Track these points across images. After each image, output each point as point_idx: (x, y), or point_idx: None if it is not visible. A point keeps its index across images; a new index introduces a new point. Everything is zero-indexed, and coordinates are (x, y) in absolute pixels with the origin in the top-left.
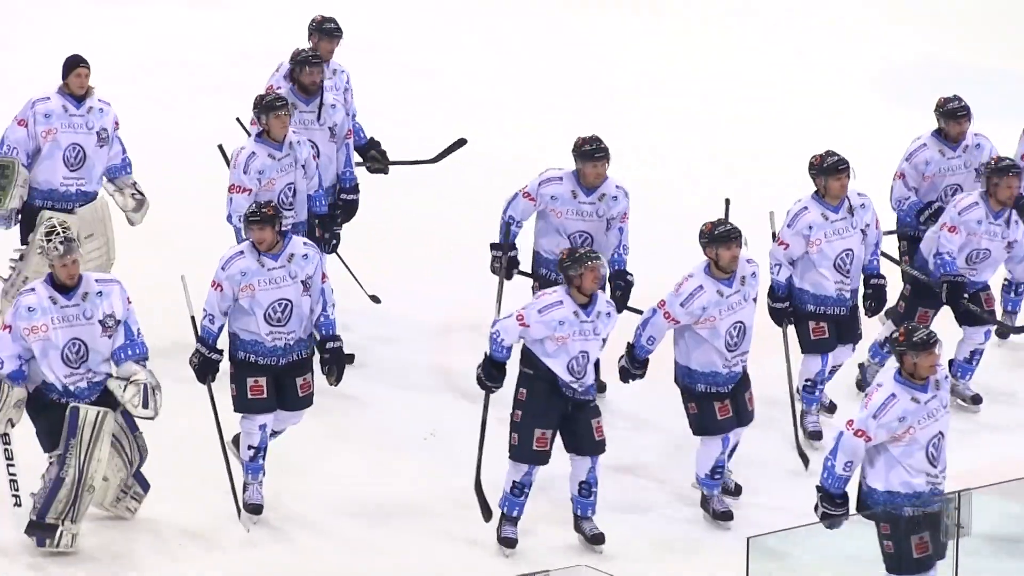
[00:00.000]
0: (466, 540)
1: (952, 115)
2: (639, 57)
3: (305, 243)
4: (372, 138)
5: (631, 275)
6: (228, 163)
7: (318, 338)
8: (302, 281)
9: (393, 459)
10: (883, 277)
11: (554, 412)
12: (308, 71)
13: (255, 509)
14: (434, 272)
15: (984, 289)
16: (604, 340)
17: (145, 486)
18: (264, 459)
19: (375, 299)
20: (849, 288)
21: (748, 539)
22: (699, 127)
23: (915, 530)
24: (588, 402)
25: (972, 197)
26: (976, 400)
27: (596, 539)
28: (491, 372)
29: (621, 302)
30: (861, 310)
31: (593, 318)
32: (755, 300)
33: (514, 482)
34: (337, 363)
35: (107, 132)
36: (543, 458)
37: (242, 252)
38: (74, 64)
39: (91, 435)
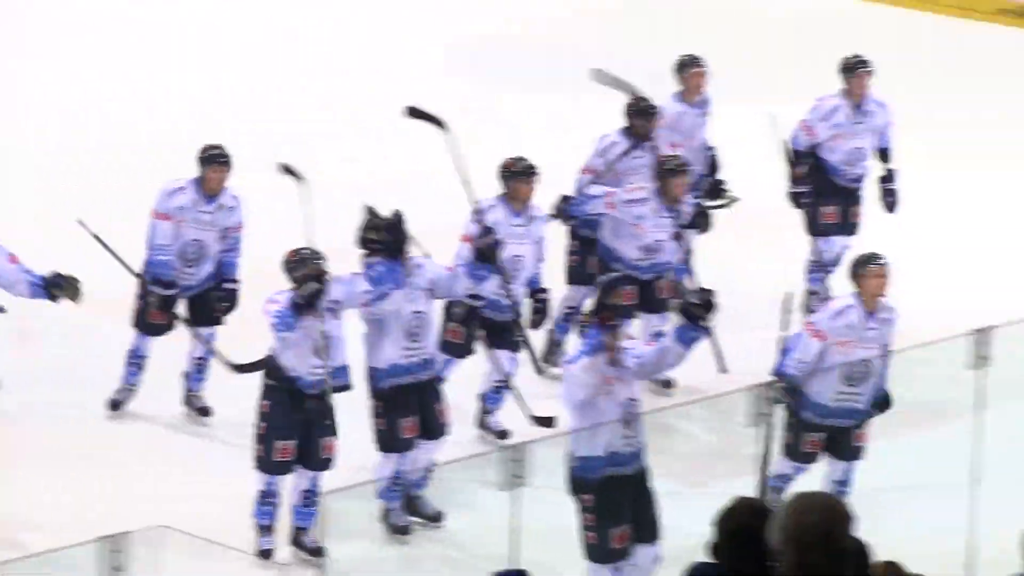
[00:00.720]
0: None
1: (644, 113)
2: None
3: None
4: None
5: (238, 281)
6: None
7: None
8: None
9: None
10: (547, 291)
11: (295, 422)
12: None
13: None
14: None
15: (660, 278)
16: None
17: None
18: None
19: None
20: (512, 298)
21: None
22: None
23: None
24: (326, 416)
25: (642, 191)
26: (667, 384)
27: (317, 552)
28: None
29: (226, 311)
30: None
31: (321, 311)
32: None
33: (261, 492)
34: None
35: None
36: (286, 468)
37: None
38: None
39: None
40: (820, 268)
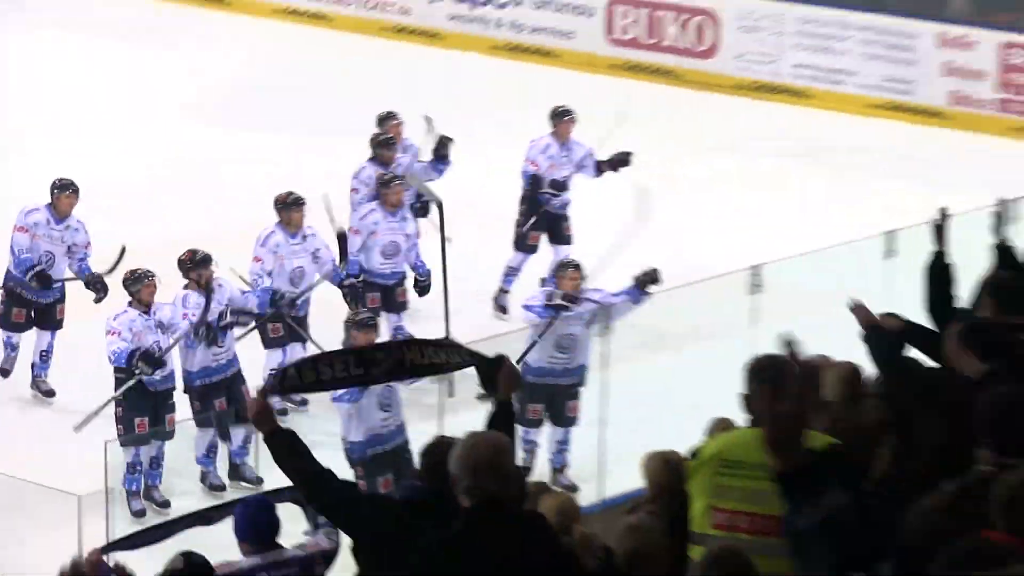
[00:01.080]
0: None
1: (385, 144)
2: None
3: None
4: None
5: (101, 279)
6: None
7: None
8: None
9: None
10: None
11: (147, 402)
12: None
13: None
14: None
15: (400, 284)
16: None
17: None
18: None
19: None
20: (299, 299)
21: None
22: None
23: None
24: (168, 397)
25: (371, 205)
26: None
27: (164, 504)
28: None
29: (102, 296)
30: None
31: (152, 319)
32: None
33: (128, 464)
34: None
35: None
36: (146, 440)
37: None
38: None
39: None
40: (514, 273)
